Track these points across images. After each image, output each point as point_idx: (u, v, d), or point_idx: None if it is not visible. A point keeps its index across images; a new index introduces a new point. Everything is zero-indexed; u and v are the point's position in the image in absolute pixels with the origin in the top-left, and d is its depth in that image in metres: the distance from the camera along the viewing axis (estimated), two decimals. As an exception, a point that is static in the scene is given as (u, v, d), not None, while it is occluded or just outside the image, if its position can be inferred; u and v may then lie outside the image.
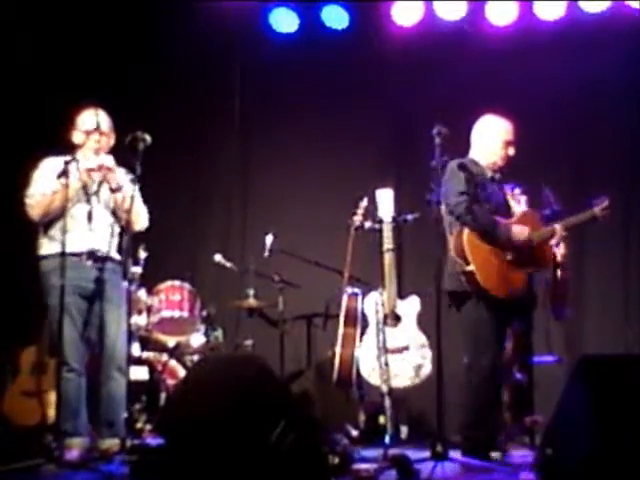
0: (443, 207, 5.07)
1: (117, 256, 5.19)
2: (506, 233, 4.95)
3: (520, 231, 4.99)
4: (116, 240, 5.21)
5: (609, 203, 5.09)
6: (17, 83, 6.71)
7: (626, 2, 6.59)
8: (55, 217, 5.01)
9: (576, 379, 3.86)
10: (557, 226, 5.06)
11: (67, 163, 4.93)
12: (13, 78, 6.71)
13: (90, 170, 5.04)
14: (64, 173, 4.90)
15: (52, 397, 5.52)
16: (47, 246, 5.06)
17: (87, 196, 5.12)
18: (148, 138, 4.97)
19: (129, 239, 5.09)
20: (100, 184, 5.13)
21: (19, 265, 6.28)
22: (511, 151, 5.13)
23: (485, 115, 5.19)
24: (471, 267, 4.94)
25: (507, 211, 5.15)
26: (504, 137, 5.13)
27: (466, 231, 4.95)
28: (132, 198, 4.97)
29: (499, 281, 4.96)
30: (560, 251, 5.60)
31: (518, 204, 5.35)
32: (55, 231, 5.01)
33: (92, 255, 5.05)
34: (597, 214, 5.10)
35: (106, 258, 5.05)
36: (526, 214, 5.19)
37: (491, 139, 5.15)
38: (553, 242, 5.14)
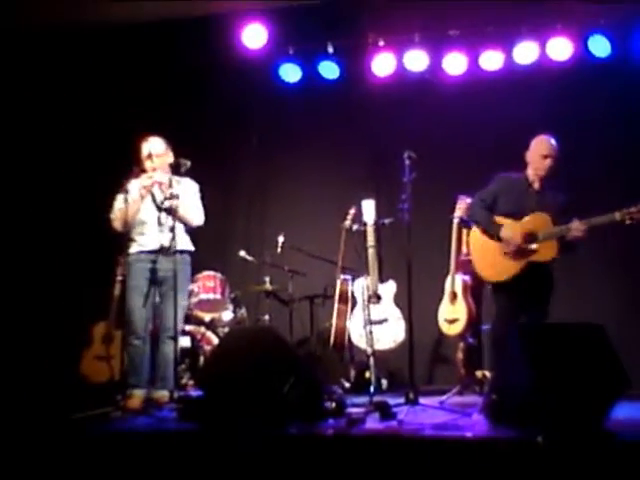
0: None
1: (188, 247, 5.17)
2: (496, 230, 4.65)
3: (507, 230, 4.61)
4: (186, 236, 5.17)
5: (637, 209, 4.30)
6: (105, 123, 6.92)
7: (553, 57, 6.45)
8: (132, 225, 5.03)
9: (515, 341, 3.88)
10: (572, 225, 4.48)
11: (127, 183, 4.95)
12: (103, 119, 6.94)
13: (145, 187, 5.05)
14: (125, 190, 4.93)
15: (117, 361, 5.52)
16: (131, 247, 5.09)
17: (156, 205, 5.12)
18: (188, 163, 5.01)
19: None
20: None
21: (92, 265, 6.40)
22: (547, 162, 4.68)
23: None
24: (470, 256, 4.88)
25: (527, 213, 4.65)
26: (541, 151, 4.72)
27: (474, 227, 4.85)
28: (176, 206, 4.99)
29: (491, 269, 4.71)
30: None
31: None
32: (135, 235, 5.07)
33: (162, 250, 5.02)
34: (617, 218, 4.36)
35: (174, 251, 4.95)
36: (536, 216, 4.63)
37: (531, 153, 4.78)
38: (569, 238, 4.51)
